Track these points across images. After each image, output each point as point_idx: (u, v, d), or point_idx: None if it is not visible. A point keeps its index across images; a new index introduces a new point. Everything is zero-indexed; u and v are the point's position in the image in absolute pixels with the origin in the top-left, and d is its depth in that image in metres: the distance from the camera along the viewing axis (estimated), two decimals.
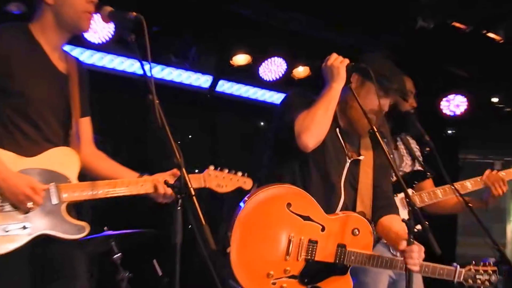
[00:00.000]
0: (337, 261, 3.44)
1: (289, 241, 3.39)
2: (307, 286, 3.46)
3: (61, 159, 3.01)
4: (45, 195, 2.91)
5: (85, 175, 3.16)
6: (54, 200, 2.92)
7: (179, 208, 2.72)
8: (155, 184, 3.03)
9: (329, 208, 3.55)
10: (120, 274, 5.00)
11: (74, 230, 2.97)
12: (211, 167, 3.26)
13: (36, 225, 2.89)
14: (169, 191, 2.98)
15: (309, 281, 3.43)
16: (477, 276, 3.62)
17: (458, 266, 3.63)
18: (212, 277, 2.98)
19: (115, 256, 5.00)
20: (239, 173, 3.37)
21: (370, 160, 3.72)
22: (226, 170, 3.34)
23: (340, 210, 3.59)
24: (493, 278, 3.65)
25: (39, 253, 2.96)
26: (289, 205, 3.40)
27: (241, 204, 3.40)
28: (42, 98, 2.96)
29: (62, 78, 3.05)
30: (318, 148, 3.43)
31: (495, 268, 3.73)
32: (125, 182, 3.04)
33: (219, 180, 3.30)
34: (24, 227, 2.85)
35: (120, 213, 3.49)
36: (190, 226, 2.66)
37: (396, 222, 3.55)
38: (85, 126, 3.23)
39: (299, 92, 3.81)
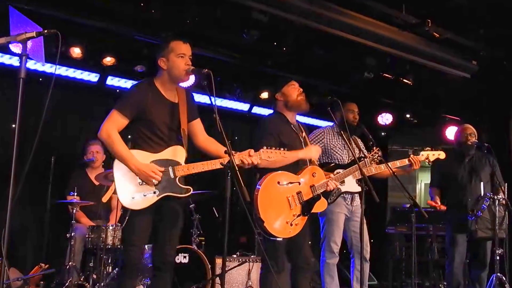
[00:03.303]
0: (314, 194, 4.03)
1: (288, 199, 3.94)
2: (307, 215, 4.03)
3: (175, 153, 3.43)
4: (166, 173, 3.29)
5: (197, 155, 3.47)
6: (171, 175, 3.36)
7: (228, 177, 3.23)
8: (221, 162, 3.39)
9: (299, 169, 4.05)
10: (193, 216, 6.12)
11: (183, 191, 3.41)
12: (264, 147, 3.56)
13: (162, 191, 3.33)
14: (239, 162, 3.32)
15: (307, 212, 4.03)
16: (376, 156, 4.48)
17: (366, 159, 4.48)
18: (248, 215, 3.38)
19: (191, 205, 6.08)
20: (282, 149, 3.60)
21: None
22: (274, 148, 3.60)
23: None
24: (380, 153, 4.49)
25: (160, 208, 3.41)
26: (278, 182, 3.96)
27: (258, 186, 3.90)
28: (161, 120, 3.42)
29: (173, 106, 3.48)
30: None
31: (378, 148, 4.52)
32: (206, 164, 3.41)
33: (269, 154, 3.56)
34: (154, 192, 3.31)
35: (194, 180, 3.59)
36: (234, 187, 3.09)
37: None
38: (196, 125, 3.61)
39: (276, 116, 4.28)
